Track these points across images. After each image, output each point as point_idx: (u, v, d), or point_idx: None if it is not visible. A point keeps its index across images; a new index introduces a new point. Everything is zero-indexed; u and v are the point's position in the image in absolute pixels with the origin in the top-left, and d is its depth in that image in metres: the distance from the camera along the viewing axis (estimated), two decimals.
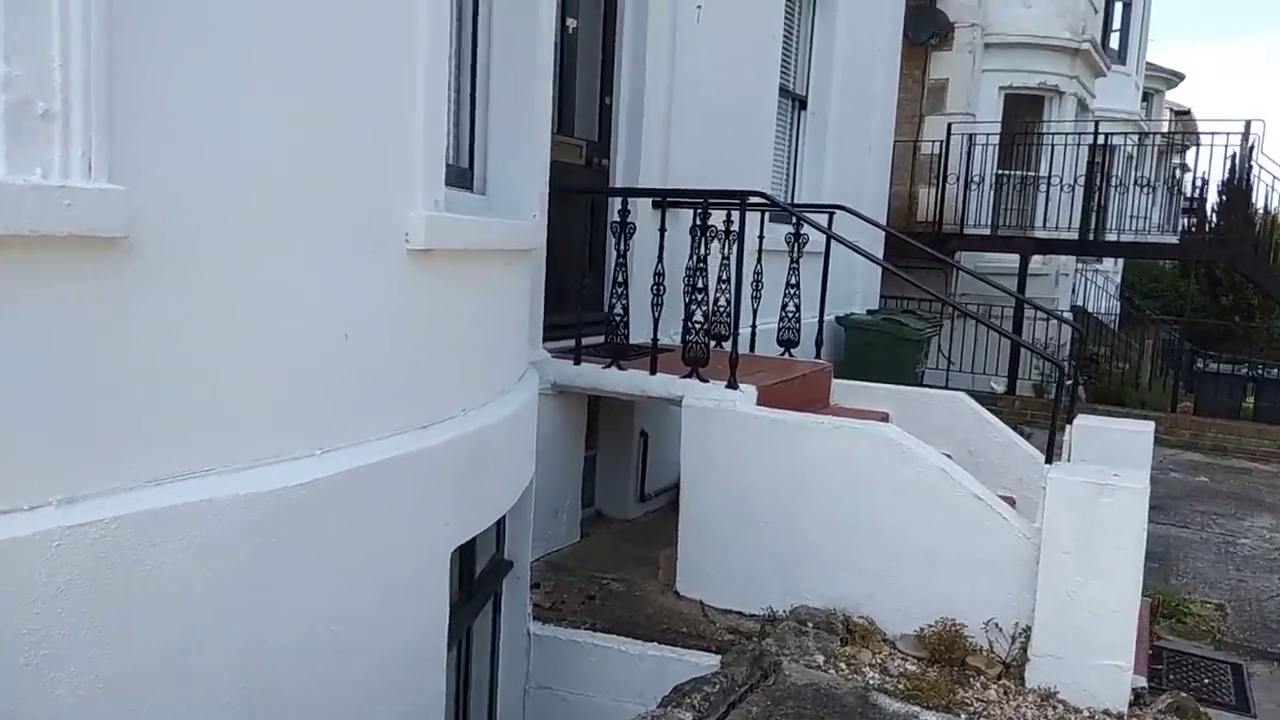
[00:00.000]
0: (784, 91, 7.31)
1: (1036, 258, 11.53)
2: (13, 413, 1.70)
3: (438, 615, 2.80)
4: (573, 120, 5.04)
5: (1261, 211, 11.06)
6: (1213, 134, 10.26)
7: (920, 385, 8.02)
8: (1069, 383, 6.45)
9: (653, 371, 4.37)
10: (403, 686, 2.67)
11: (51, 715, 1.77)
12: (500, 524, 3.75)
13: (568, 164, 4.95)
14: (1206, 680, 4.09)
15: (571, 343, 4.60)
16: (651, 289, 4.42)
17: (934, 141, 11.30)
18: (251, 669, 2.17)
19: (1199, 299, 17.22)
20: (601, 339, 4.72)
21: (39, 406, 1.74)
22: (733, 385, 4.17)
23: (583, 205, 4.94)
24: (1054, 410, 3.76)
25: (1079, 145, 10.94)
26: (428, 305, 2.69)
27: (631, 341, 4.85)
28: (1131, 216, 11.15)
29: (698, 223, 4.25)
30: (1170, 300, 18.19)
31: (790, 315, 5.37)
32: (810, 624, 3.81)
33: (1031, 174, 11.46)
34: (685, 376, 4.28)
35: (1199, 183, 11.92)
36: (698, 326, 4.27)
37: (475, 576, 3.50)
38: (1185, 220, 12.73)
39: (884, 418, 4.93)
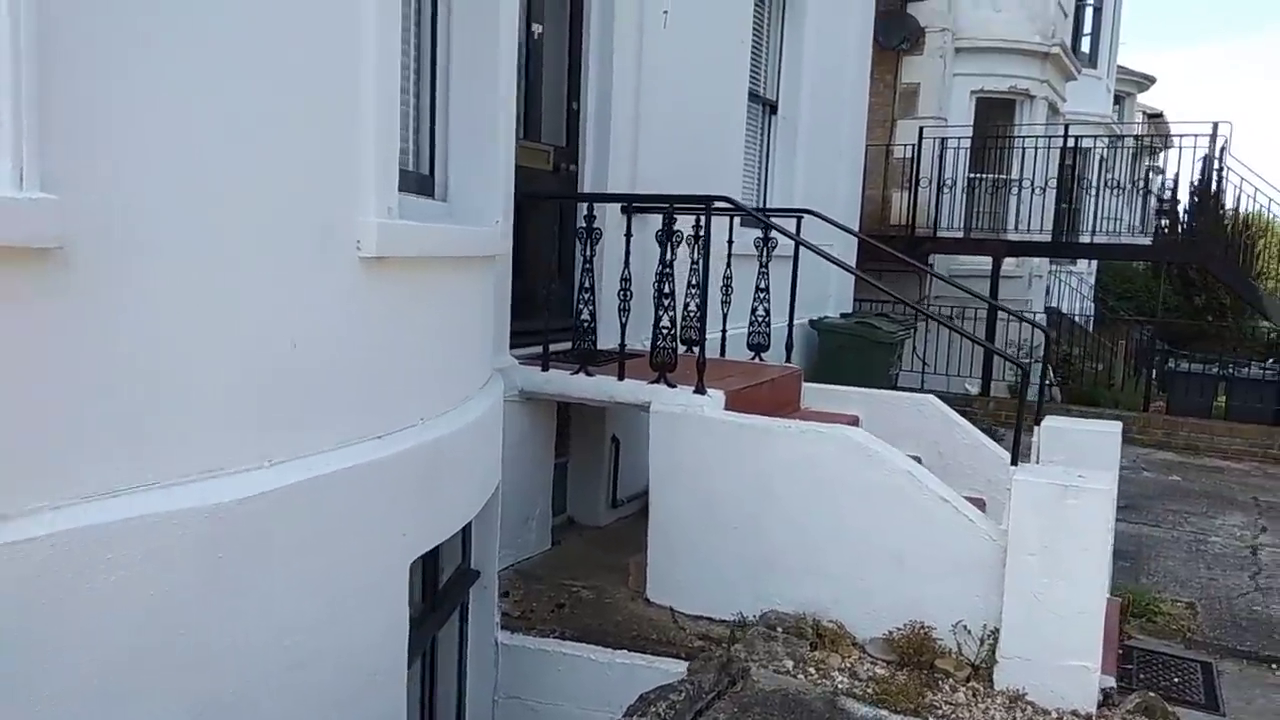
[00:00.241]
0: (754, 96, 7.31)
1: (1010, 260, 11.59)
2: None
3: (397, 627, 2.76)
4: (539, 126, 5.02)
5: (1231, 212, 11.16)
6: (1181, 136, 10.36)
7: (894, 388, 8.05)
8: (1041, 383, 6.48)
9: (620, 377, 4.35)
10: (361, 699, 2.63)
11: None
12: (466, 533, 3.72)
13: (534, 170, 4.93)
14: (1176, 679, 4.10)
15: (539, 349, 4.57)
16: (618, 294, 4.40)
17: (906, 145, 11.35)
18: (203, 685, 2.13)
19: (1172, 299, 17.37)
20: (570, 345, 4.69)
21: None
22: (700, 390, 4.15)
23: (551, 211, 4.92)
24: (1019, 412, 3.77)
25: (1050, 148, 11.02)
26: (382, 313, 2.66)
27: (601, 347, 4.83)
28: (1105, 218, 11.23)
29: (663, 228, 4.23)
30: (1144, 301, 18.34)
31: (760, 319, 5.37)
32: (779, 629, 3.79)
33: (1003, 177, 11.53)
34: (653, 382, 4.26)
35: (1171, 184, 12.03)
36: (665, 332, 4.25)
37: (440, 586, 3.46)
38: (1159, 222, 12.83)
39: (854, 421, 4.93)
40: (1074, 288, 16.72)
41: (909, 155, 11.24)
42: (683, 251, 4.38)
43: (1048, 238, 10.91)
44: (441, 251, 3.03)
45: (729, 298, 5.29)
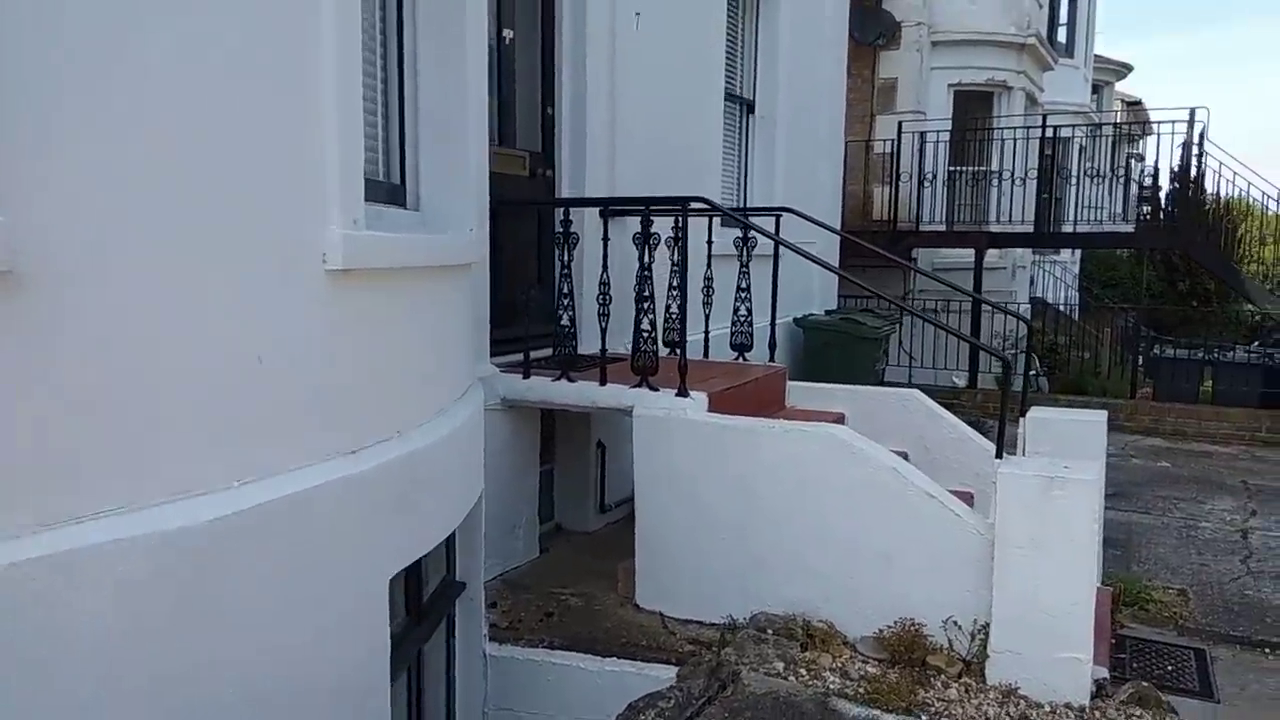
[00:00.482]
0: (731, 96, 7.29)
1: (993, 251, 11.60)
2: None
3: (378, 645, 2.72)
4: (514, 132, 4.98)
5: (1212, 197, 11.20)
6: (1159, 123, 10.37)
7: (881, 383, 8.04)
8: (1025, 374, 6.47)
9: (602, 382, 4.31)
10: (343, 719, 2.58)
11: None
12: (450, 545, 3.68)
13: (510, 176, 4.89)
14: (1170, 667, 4.09)
15: (521, 357, 4.53)
16: (597, 299, 4.37)
17: (886, 140, 11.36)
18: (173, 714, 2.08)
19: (1157, 285, 17.43)
20: (551, 351, 4.66)
21: None
22: (683, 393, 4.12)
23: (528, 217, 4.89)
24: (1002, 404, 3.74)
25: (1029, 139, 11.03)
26: (352, 326, 2.62)
27: (582, 352, 4.80)
28: (1086, 207, 11.25)
29: (640, 230, 4.19)
30: (1129, 288, 18.40)
31: (742, 319, 5.34)
32: (770, 631, 3.76)
33: (984, 169, 11.55)
34: (635, 386, 4.23)
35: (1151, 171, 12.06)
36: (646, 335, 4.22)
37: (424, 600, 3.41)
38: (1140, 209, 12.86)
39: (839, 418, 4.91)
40: (1058, 277, 16.78)
41: (889, 150, 11.24)
42: (663, 253, 4.35)
43: (1030, 228, 10.92)
44: (412, 261, 2.99)
45: (710, 298, 5.27)
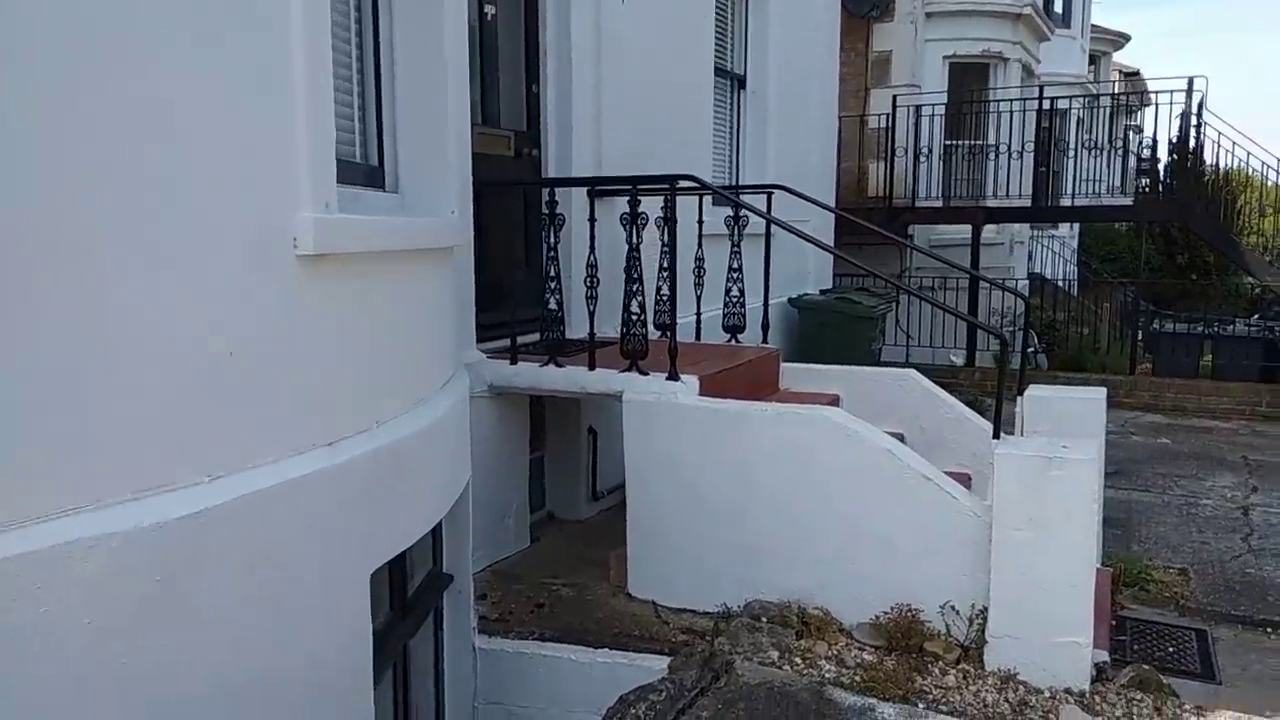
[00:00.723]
0: (721, 71, 7.16)
1: (990, 227, 11.49)
2: None
3: (359, 640, 2.64)
4: (498, 111, 4.87)
5: (1211, 168, 11.07)
6: (1157, 93, 10.25)
7: (878, 362, 7.95)
8: (1023, 351, 6.39)
9: (591, 367, 4.23)
10: (324, 718, 2.51)
11: None
12: (436, 536, 3.60)
13: (495, 156, 4.78)
14: (1171, 649, 4.03)
15: (508, 342, 4.44)
16: (585, 281, 4.28)
17: (880, 115, 11.21)
18: (145, 712, 2.00)
19: (1156, 259, 17.30)
20: (539, 336, 4.57)
21: None
22: (673, 376, 4.03)
23: (514, 198, 4.78)
24: (999, 383, 3.66)
25: (1025, 111, 10.90)
26: (327, 314, 2.53)
27: (571, 336, 4.71)
28: (1085, 180, 11.14)
29: (628, 210, 4.09)
30: (1128, 262, 18.27)
31: (734, 300, 5.25)
32: (764, 619, 3.69)
33: (980, 143, 11.42)
34: (625, 370, 4.14)
35: (1149, 143, 11.93)
36: (635, 318, 4.13)
37: (410, 594, 3.34)
38: (1139, 181, 12.74)
39: (834, 400, 4.83)
40: (1056, 252, 16.66)
41: (884, 125, 11.11)
42: (652, 234, 4.25)
43: (1027, 203, 10.81)
44: (390, 245, 2.90)
45: (702, 279, 5.17)
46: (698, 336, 5.27)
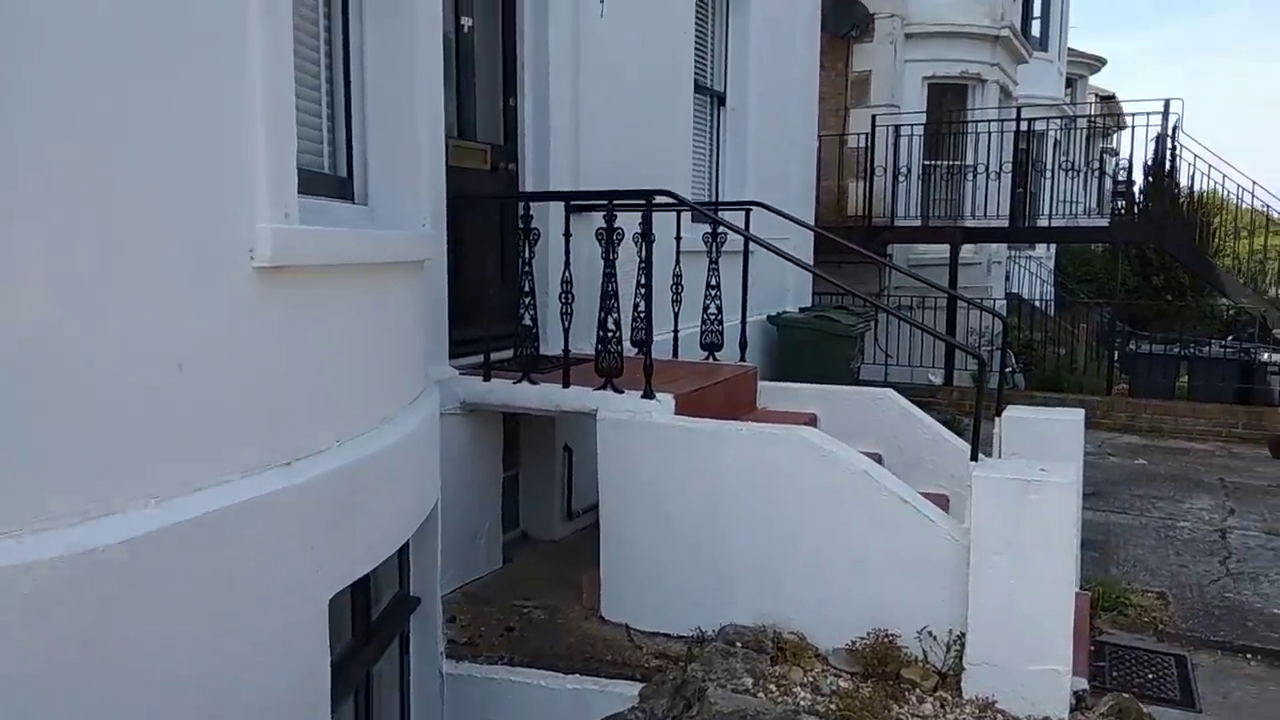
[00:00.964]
0: (701, 88, 7.13)
1: (968, 246, 11.52)
2: None
3: (317, 668, 2.54)
4: (474, 124, 4.80)
5: (1186, 190, 11.15)
6: (1134, 115, 10.32)
7: (857, 381, 7.91)
8: (1001, 371, 6.35)
9: (565, 384, 4.15)
10: None
11: None
12: (403, 557, 3.50)
13: (471, 170, 4.71)
14: (1150, 675, 3.97)
15: (482, 358, 4.35)
16: (560, 297, 4.20)
17: (860, 134, 11.23)
18: None
19: (1132, 280, 17.42)
20: (513, 352, 4.48)
21: None
22: (648, 395, 3.96)
23: (489, 212, 4.71)
24: (977, 403, 3.61)
25: (1004, 132, 10.95)
26: (285, 328, 2.44)
27: (546, 353, 4.64)
28: (1061, 201, 11.19)
29: (603, 225, 4.03)
30: (1104, 283, 18.39)
31: (712, 317, 5.18)
32: (739, 643, 3.61)
33: (958, 163, 11.46)
34: (599, 388, 4.07)
35: (1125, 165, 12.02)
36: (611, 335, 4.05)
37: (374, 618, 3.24)
38: (1114, 203, 12.82)
39: (811, 419, 4.77)
40: (1034, 272, 16.75)
41: (863, 144, 11.12)
42: (630, 250, 4.19)
43: (1005, 223, 10.84)
44: (355, 258, 2.81)
45: (680, 296, 5.11)
46: (675, 354, 5.20)
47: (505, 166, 5.01)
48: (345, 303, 2.77)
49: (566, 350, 4.17)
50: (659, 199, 4.07)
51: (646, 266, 4.09)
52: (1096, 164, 13.33)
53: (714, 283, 5.13)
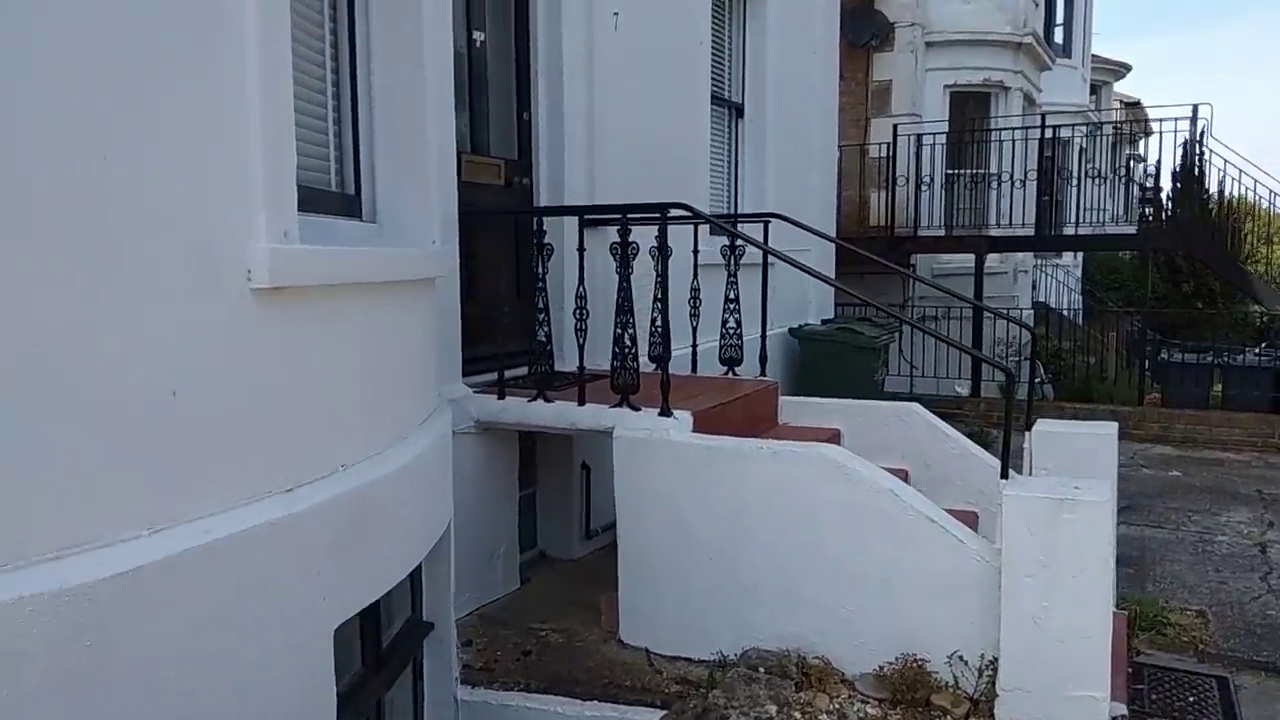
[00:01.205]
0: (718, 99, 7.05)
1: (993, 256, 11.36)
2: None
3: (321, 701, 2.46)
4: (487, 138, 4.75)
5: (1215, 196, 10.94)
6: (1161, 120, 10.13)
7: (881, 393, 7.77)
8: (1030, 383, 6.21)
9: (581, 402, 4.06)
10: None
11: None
12: (415, 581, 3.42)
13: (485, 185, 4.66)
14: (1191, 698, 3.81)
15: (496, 375, 4.28)
16: (574, 313, 4.12)
17: (881, 144, 11.11)
18: None
19: (1161, 287, 17.14)
20: (527, 369, 4.41)
21: None
22: (665, 412, 3.86)
23: (503, 227, 4.64)
24: (1007, 419, 3.48)
25: (1028, 140, 10.79)
26: (285, 351, 2.37)
27: (562, 369, 4.56)
28: (1088, 209, 10.99)
29: (619, 239, 3.94)
30: (1133, 291, 18.11)
31: (731, 331, 5.08)
32: (762, 669, 3.49)
33: (982, 172, 11.30)
34: (615, 405, 3.97)
35: (1152, 171, 11.82)
36: (627, 351, 3.96)
37: (385, 645, 3.15)
38: (1142, 209, 12.61)
39: (834, 435, 4.65)
40: (1061, 281, 16.52)
41: (885, 154, 11.00)
42: (646, 264, 4.10)
43: (1030, 231, 10.67)
44: (361, 277, 2.74)
45: (698, 310, 5.02)
46: (694, 369, 5.11)
47: (520, 181, 4.94)
48: (350, 323, 2.70)
49: (581, 367, 4.08)
50: (674, 212, 3.99)
51: (662, 280, 4.01)
52: (1123, 170, 13.10)
53: (732, 296, 5.03)
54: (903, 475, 4.34)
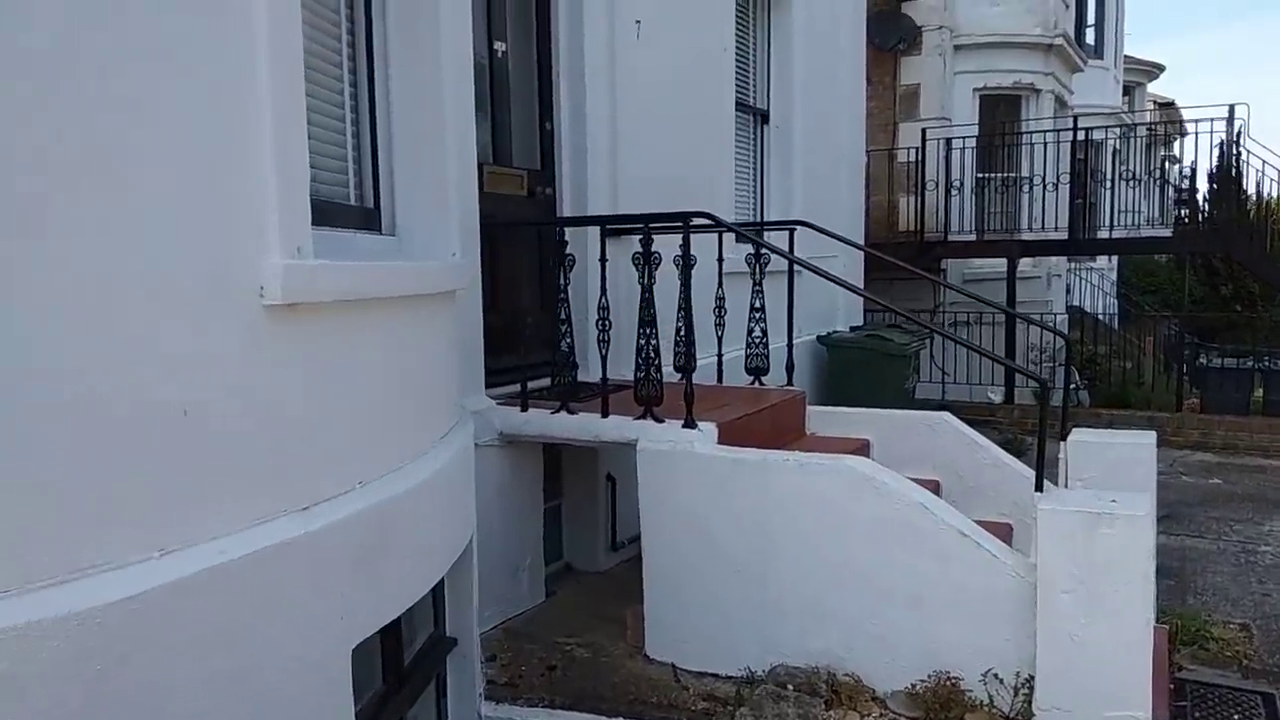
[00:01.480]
0: (744, 106, 7.00)
1: (1026, 260, 11.19)
2: None
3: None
4: (509, 149, 4.72)
5: (1254, 196, 10.71)
6: (1196, 121, 9.93)
7: (912, 401, 7.67)
8: (1065, 390, 6.08)
9: (604, 413, 4.01)
10: None
11: None
12: (438, 597, 3.38)
13: (508, 196, 4.63)
14: (1236, 716, 3.69)
15: (519, 387, 4.24)
16: (596, 324, 4.08)
17: (910, 149, 10.99)
18: None
19: (1198, 290, 16.82)
20: (550, 381, 4.37)
21: None
22: (689, 424, 3.81)
23: (530, 238, 4.61)
24: (1040, 429, 3.39)
25: (1060, 143, 10.62)
26: (300, 367, 2.33)
27: (586, 380, 4.51)
28: (1122, 211, 10.80)
29: (641, 249, 3.90)
30: (1170, 294, 17.81)
31: (757, 341, 5.02)
32: (790, 686, 3.43)
33: (1013, 175, 11.14)
34: (639, 417, 3.92)
35: (1188, 173, 11.61)
36: (650, 362, 3.91)
37: (406, 662, 3.11)
38: (1178, 212, 12.39)
39: (863, 446, 4.57)
40: (1095, 285, 16.28)
41: (914, 158, 10.87)
42: (671, 273, 4.06)
43: (1064, 235, 10.49)
44: (375, 292, 2.71)
45: (723, 319, 4.95)
46: (719, 379, 5.05)
47: (542, 191, 4.92)
48: (367, 338, 2.66)
49: (604, 378, 4.04)
50: (696, 220, 3.93)
51: (685, 290, 3.95)
52: (1158, 172, 12.87)
53: (758, 305, 4.96)
54: (934, 486, 4.26)
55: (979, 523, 3.50)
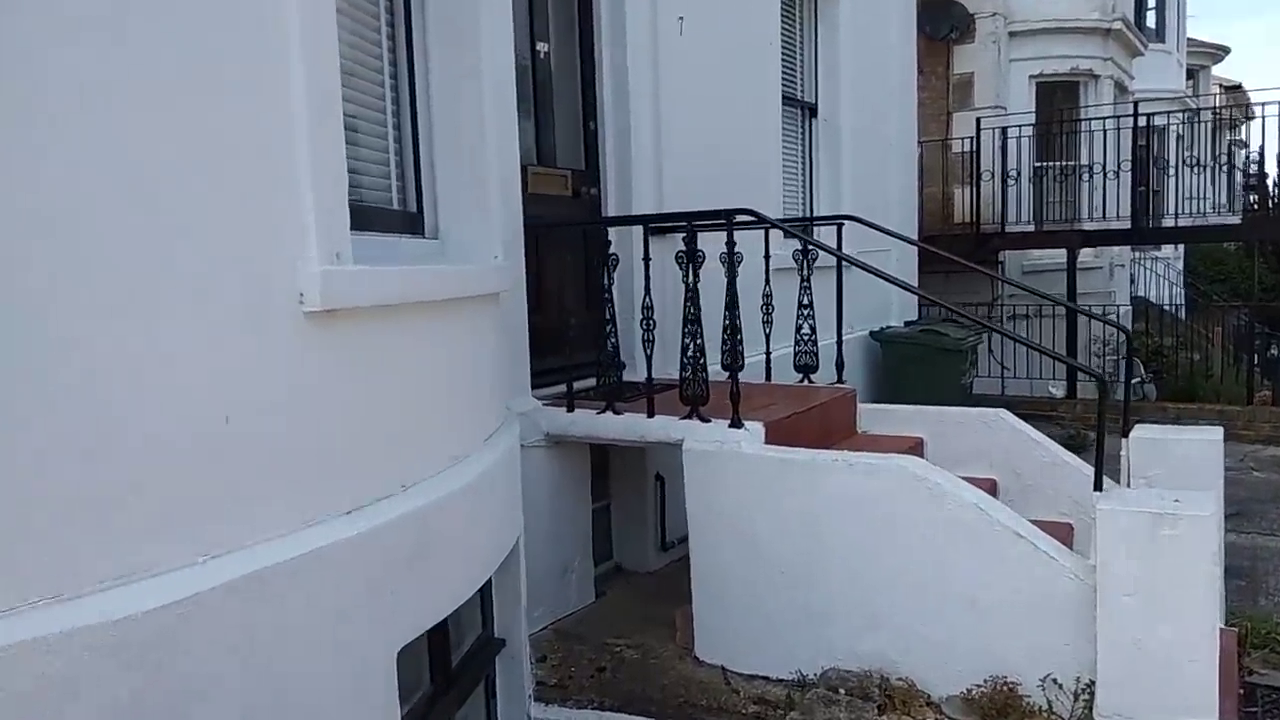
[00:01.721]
0: (790, 100, 6.91)
1: (1088, 250, 10.90)
2: None
3: None
4: (554, 150, 4.72)
5: None
6: (1264, 104, 9.59)
7: (969, 397, 7.52)
8: (1126, 384, 5.91)
9: (650, 413, 3.99)
10: None
11: None
12: (486, 598, 3.39)
13: (552, 196, 4.63)
14: None
15: (564, 388, 4.24)
16: (641, 323, 4.06)
17: (964, 139, 10.77)
18: None
19: (1269, 279, 16.25)
20: (595, 381, 4.36)
21: None
22: (736, 423, 3.76)
23: (571, 239, 4.60)
24: (1100, 427, 3.27)
25: (1120, 129, 10.33)
26: (342, 372, 2.34)
27: (632, 379, 4.49)
28: (1188, 199, 10.47)
29: (685, 247, 3.86)
30: (1239, 283, 17.23)
31: (805, 338, 4.94)
32: (842, 690, 3.37)
33: (1072, 164, 10.86)
34: (685, 417, 3.89)
35: (1256, 157, 11.22)
36: (695, 361, 3.88)
37: (454, 663, 3.12)
38: (1246, 198, 11.99)
39: (917, 445, 4.48)
40: (1161, 274, 15.80)
41: (968, 149, 10.66)
42: (717, 271, 4.02)
43: (1126, 224, 10.20)
44: (419, 296, 2.71)
45: (770, 316, 4.89)
46: (768, 377, 4.99)
47: (587, 191, 4.91)
48: (409, 342, 2.67)
49: (650, 378, 4.01)
50: (740, 218, 3.88)
51: (731, 288, 3.90)
52: (1224, 158, 12.46)
53: (806, 301, 4.89)
54: (990, 485, 4.17)
55: (1037, 523, 3.41)
